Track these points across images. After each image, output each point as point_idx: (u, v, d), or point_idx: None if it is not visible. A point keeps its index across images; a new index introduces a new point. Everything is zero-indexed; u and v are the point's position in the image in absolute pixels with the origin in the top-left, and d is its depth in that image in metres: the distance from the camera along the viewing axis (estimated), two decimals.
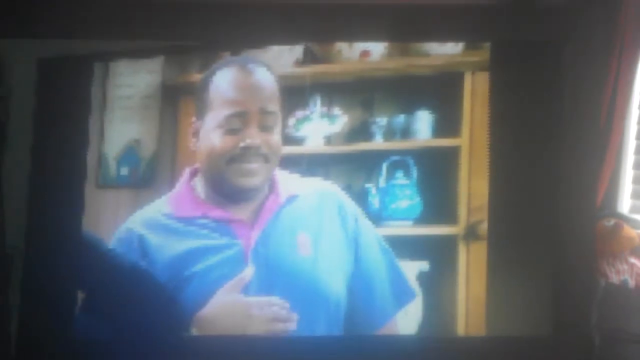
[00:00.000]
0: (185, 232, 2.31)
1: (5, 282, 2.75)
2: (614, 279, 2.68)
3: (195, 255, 2.30)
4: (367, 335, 2.55)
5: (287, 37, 2.66)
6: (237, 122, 2.24)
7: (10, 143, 2.78)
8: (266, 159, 2.26)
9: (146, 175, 2.67)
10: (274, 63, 2.54)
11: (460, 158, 2.60)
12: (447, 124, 2.63)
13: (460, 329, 2.61)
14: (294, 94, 2.59)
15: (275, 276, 2.33)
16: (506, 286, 2.58)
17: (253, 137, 2.23)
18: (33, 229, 2.74)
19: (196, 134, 2.32)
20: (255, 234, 2.32)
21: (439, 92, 2.63)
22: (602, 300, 2.64)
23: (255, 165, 2.25)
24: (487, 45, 2.59)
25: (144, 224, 2.32)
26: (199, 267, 2.30)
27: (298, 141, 2.65)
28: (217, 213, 2.31)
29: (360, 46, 2.66)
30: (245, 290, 2.32)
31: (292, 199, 2.36)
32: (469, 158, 2.60)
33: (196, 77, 2.57)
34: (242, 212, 2.33)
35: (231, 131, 2.24)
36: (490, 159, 2.60)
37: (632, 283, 2.68)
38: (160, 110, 2.67)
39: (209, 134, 2.24)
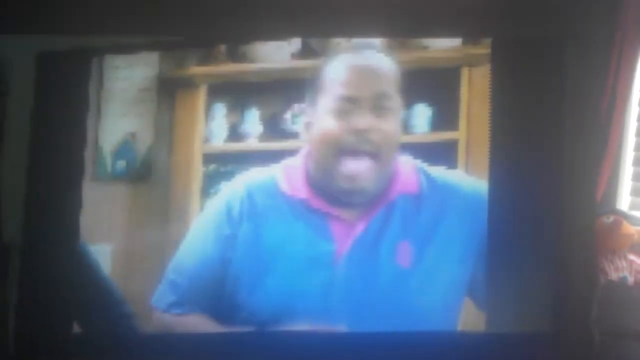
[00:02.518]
0: (283, 211, 2.15)
1: (2, 278, 2.73)
2: (613, 275, 2.65)
3: (282, 247, 2.15)
4: (366, 332, 2.53)
5: (285, 32, 2.64)
6: (348, 105, 2.08)
7: (8, 138, 2.77)
8: (376, 153, 2.07)
9: (142, 169, 2.64)
10: (272, 56, 2.52)
11: (458, 152, 2.56)
12: (445, 118, 2.59)
13: (459, 325, 2.57)
14: (291, 88, 2.56)
15: (364, 286, 2.18)
16: (505, 282, 2.54)
17: (363, 121, 2.06)
18: (30, 224, 2.72)
19: (308, 124, 2.20)
20: (353, 235, 2.14)
21: (437, 86, 2.59)
22: (602, 297, 2.61)
23: (362, 163, 2.07)
24: (486, 39, 2.57)
25: (250, 189, 2.16)
26: (282, 262, 2.16)
27: (294, 135, 2.61)
28: (318, 203, 2.14)
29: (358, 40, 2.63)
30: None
31: (406, 198, 2.18)
32: (467, 152, 2.56)
33: (194, 69, 2.55)
34: (347, 212, 2.16)
35: (342, 115, 2.07)
36: (490, 155, 2.57)
37: (631, 280, 2.65)
38: (157, 104, 2.64)
39: (321, 118, 2.10)
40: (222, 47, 2.61)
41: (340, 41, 2.56)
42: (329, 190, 2.10)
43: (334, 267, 2.15)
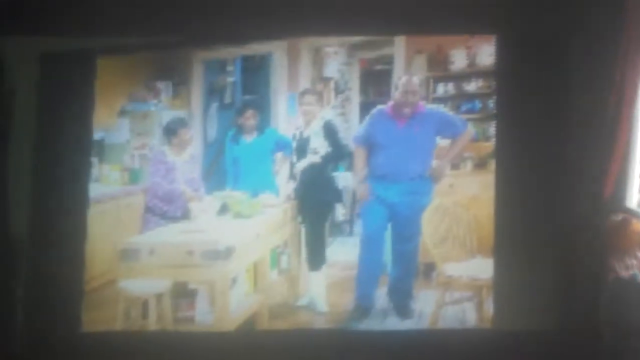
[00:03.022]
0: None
1: (10, 275, 2.73)
2: (623, 273, 2.62)
3: None
4: (373, 330, 2.52)
5: (285, 31, 2.65)
6: None
7: (15, 138, 2.76)
8: None
9: None
10: None
11: None
12: None
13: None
14: None
15: None
16: (513, 280, 2.54)
17: None
18: (37, 223, 2.73)
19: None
20: None
21: None
22: (611, 295, 2.57)
23: None
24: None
25: None
26: None
27: None
28: None
29: None
30: None
31: None
32: None
33: None
34: None
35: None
36: (497, 152, 2.57)
37: None
38: None
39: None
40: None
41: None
42: None
43: None
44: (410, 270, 3.02)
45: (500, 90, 2.60)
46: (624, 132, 2.66)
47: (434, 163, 2.99)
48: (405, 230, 3.02)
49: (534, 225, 2.55)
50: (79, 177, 2.74)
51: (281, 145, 3.33)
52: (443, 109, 3.07)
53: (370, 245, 3.08)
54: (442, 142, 3.00)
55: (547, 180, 2.56)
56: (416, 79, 3.03)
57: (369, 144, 3.09)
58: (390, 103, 3.03)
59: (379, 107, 3.08)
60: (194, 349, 2.69)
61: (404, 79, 3.04)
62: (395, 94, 3.01)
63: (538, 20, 2.57)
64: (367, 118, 3.11)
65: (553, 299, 2.54)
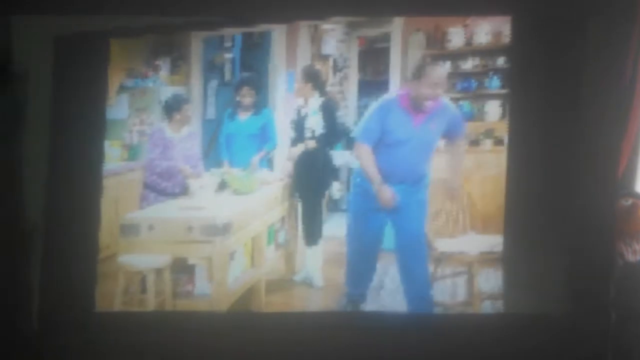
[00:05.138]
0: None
1: (25, 257, 2.73)
2: (630, 258, 2.62)
3: None
4: (381, 311, 2.62)
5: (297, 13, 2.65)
6: None
7: (30, 121, 2.73)
8: None
9: None
10: None
11: None
12: None
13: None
14: None
15: None
16: (523, 264, 2.52)
17: None
18: (52, 206, 2.72)
19: None
20: None
21: None
22: (620, 279, 2.56)
23: None
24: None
25: None
26: None
27: None
28: None
29: None
30: None
31: None
32: None
33: None
34: None
35: None
36: (509, 134, 2.52)
37: None
38: None
39: None
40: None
41: None
42: None
43: None
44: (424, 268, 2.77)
45: (514, 70, 2.54)
46: (635, 118, 2.63)
47: (456, 183, 2.79)
48: (412, 233, 2.80)
49: (544, 208, 2.50)
50: (93, 156, 2.74)
51: (266, 132, 3.31)
52: (454, 107, 2.79)
53: (366, 251, 2.88)
54: None
55: (559, 165, 2.51)
56: (443, 70, 2.78)
57: (378, 141, 2.77)
58: (402, 93, 2.77)
59: (387, 98, 2.81)
60: (200, 328, 2.73)
61: (430, 67, 2.72)
62: (416, 84, 2.70)
63: (554, 1, 2.53)
64: (376, 111, 2.78)
65: (562, 282, 2.50)
